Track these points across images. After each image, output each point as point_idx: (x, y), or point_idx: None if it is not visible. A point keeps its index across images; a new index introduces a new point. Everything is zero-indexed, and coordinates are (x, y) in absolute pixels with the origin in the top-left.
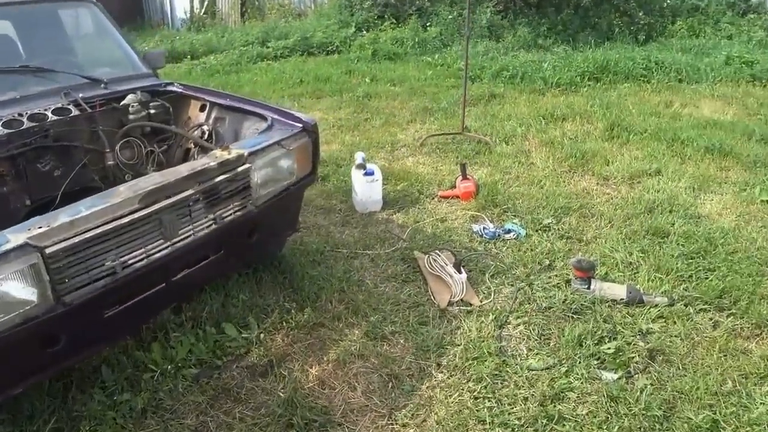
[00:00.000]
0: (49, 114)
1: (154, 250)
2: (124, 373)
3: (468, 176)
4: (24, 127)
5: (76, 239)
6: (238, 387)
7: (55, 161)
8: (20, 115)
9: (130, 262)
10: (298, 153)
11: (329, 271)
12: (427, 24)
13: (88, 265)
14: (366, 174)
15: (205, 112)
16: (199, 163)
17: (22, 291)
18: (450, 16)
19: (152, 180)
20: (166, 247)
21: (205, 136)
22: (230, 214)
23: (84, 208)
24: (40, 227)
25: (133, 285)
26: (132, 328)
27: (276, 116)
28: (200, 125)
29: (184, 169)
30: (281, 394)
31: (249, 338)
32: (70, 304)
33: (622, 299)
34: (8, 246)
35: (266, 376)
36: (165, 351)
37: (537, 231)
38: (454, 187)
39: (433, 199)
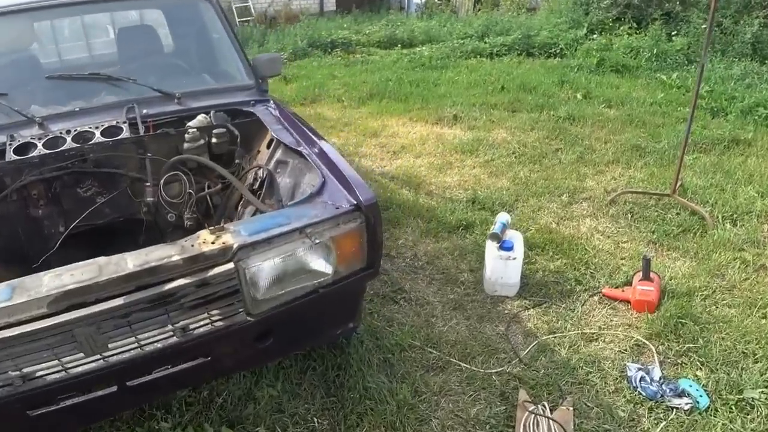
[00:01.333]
0: (97, 134)
1: (72, 364)
2: None
3: (651, 275)
4: (63, 147)
5: None
6: None
7: (98, 187)
8: (67, 132)
9: (36, 374)
10: (343, 242)
11: (393, 385)
12: (673, 33)
13: None
14: (502, 248)
15: (271, 149)
16: (156, 254)
17: None
18: (704, 25)
19: (69, 276)
20: (93, 361)
21: (257, 184)
22: (205, 326)
23: None
24: None
25: (66, 387)
26: (82, 422)
27: (334, 179)
28: (257, 167)
29: (122, 264)
30: None
31: None
32: None
33: None
34: None
35: None
36: None
37: (731, 408)
38: (628, 284)
39: (593, 295)
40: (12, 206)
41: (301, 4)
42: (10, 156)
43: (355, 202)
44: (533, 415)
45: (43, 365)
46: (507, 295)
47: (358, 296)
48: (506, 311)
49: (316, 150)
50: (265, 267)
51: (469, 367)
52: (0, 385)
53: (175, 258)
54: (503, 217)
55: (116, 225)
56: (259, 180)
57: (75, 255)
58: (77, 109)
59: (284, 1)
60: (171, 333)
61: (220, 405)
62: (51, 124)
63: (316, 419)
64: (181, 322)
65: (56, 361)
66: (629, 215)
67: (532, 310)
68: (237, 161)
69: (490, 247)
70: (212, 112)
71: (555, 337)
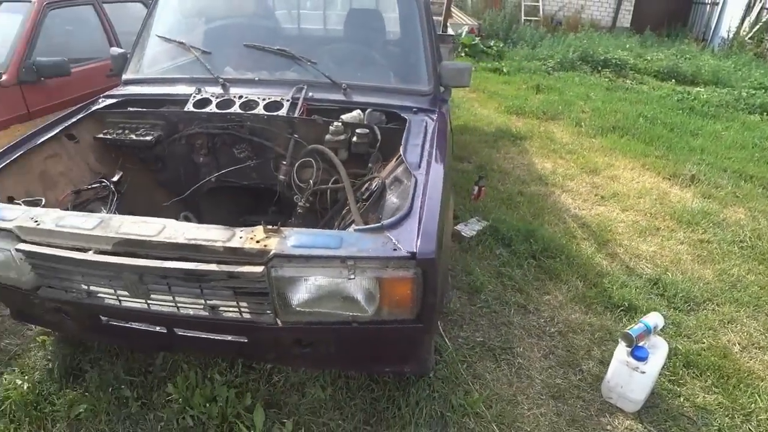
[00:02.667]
0: (261, 105)
1: (125, 298)
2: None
3: None
4: (229, 110)
5: (50, 249)
6: None
7: (249, 152)
8: (239, 97)
9: (98, 294)
10: (389, 286)
11: None
12: None
13: (60, 275)
14: (633, 354)
15: (394, 163)
16: (206, 234)
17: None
18: None
19: (138, 228)
20: (140, 303)
21: (367, 194)
22: (233, 313)
23: (56, 223)
24: (32, 218)
25: (126, 315)
26: (139, 345)
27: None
28: (376, 177)
29: (181, 231)
30: None
31: None
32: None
33: None
34: None
35: None
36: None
37: None
38: None
39: None
40: (180, 148)
41: (593, 14)
42: (189, 107)
43: (414, 251)
44: None
45: (103, 289)
46: (622, 408)
47: (414, 345)
48: (607, 426)
49: (428, 179)
50: (296, 281)
51: None
52: (73, 291)
53: (219, 244)
54: (654, 318)
55: (257, 189)
56: (370, 191)
57: (218, 203)
58: (257, 78)
59: (576, 8)
60: (202, 307)
61: (274, 384)
62: (231, 87)
63: None
64: (212, 301)
65: (112, 290)
66: None
67: None
68: (370, 165)
69: (620, 347)
70: (368, 111)
71: None
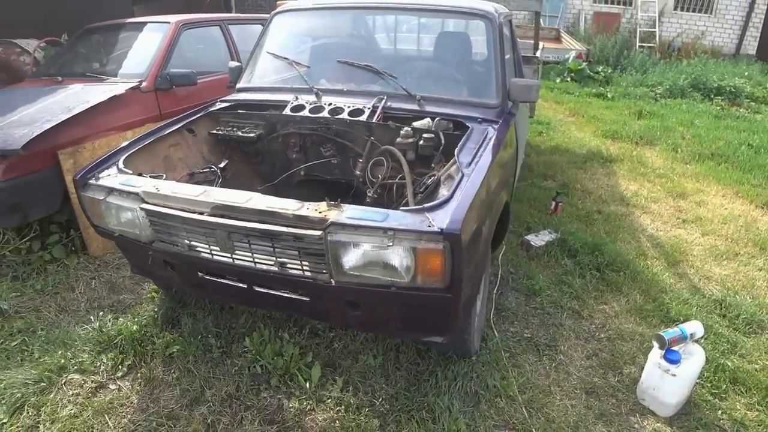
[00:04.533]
0: (346, 111)
1: (216, 252)
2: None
3: None
4: (319, 115)
5: (165, 209)
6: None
7: (334, 151)
8: (328, 105)
9: (197, 247)
10: (423, 257)
11: (458, 417)
12: None
13: (170, 231)
14: (666, 357)
15: (450, 162)
16: (281, 204)
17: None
18: None
19: (231, 197)
20: (226, 257)
21: (423, 187)
22: (297, 270)
23: (171, 190)
24: (154, 186)
25: (216, 268)
26: (226, 298)
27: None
28: (434, 175)
29: (263, 202)
30: None
31: (318, 395)
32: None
33: None
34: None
35: None
36: (264, 344)
37: None
38: None
39: None
40: (277, 145)
41: (714, 40)
42: (286, 111)
43: (442, 228)
44: None
45: (201, 244)
46: (655, 411)
47: (448, 316)
48: (635, 425)
49: (473, 174)
50: (347, 246)
51: None
52: (178, 245)
53: (289, 212)
54: (693, 326)
55: (339, 183)
56: (426, 185)
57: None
58: (345, 89)
59: (697, 33)
60: (273, 263)
61: (333, 349)
62: (324, 95)
63: (377, 401)
64: (281, 259)
65: (207, 245)
66: None
67: None
68: (433, 165)
69: (654, 350)
70: (437, 119)
71: None
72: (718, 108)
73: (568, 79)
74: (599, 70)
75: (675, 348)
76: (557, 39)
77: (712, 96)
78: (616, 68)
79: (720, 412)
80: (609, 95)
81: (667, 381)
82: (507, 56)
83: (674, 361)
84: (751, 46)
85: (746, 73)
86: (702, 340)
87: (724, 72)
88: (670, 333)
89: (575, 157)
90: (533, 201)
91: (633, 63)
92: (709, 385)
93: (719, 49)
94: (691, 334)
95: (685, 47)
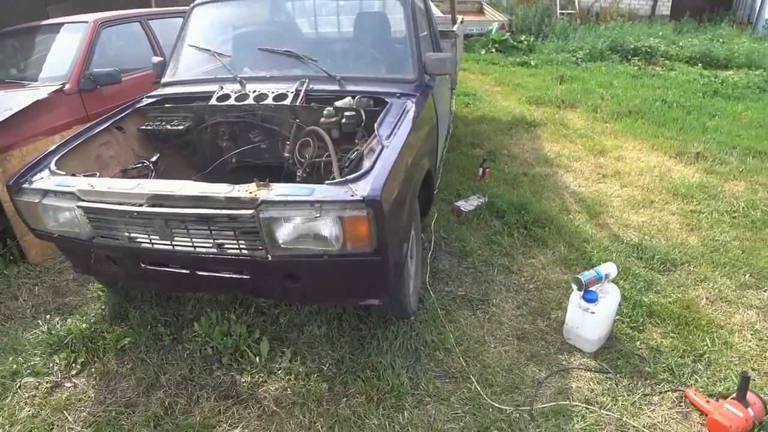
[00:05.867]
0: (270, 97)
1: (156, 241)
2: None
3: (752, 399)
4: (244, 102)
5: (101, 204)
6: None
7: (262, 136)
8: (253, 92)
9: (137, 238)
10: (350, 224)
11: (401, 371)
12: None
13: (109, 225)
14: (584, 297)
15: (372, 137)
16: (213, 189)
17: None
18: None
19: (164, 186)
20: (166, 244)
21: (348, 162)
22: (235, 249)
23: (107, 186)
24: (89, 184)
25: (157, 257)
26: (170, 286)
27: (376, 172)
28: (357, 150)
29: (195, 188)
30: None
31: (268, 368)
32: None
33: None
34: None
35: (227, 411)
36: (212, 327)
37: None
38: (724, 399)
39: (675, 391)
40: (207, 135)
41: (631, 3)
42: (213, 101)
43: (364, 196)
44: None
45: (140, 235)
46: (580, 348)
47: (380, 278)
48: (562, 362)
49: (392, 145)
50: (278, 221)
51: (479, 391)
52: (118, 238)
53: (221, 194)
54: (607, 267)
55: (270, 167)
56: (350, 160)
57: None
58: (268, 75)
59: None
60: (211, 245)
61: (279, 324)
62: (248, 83)
63: (325, 367)
64: (219, 240)
65: (146, 235)
66: None
67: (589, 373)
68: (356, 141)
69: (574, 292)
70: (357, 97)
71: (586, 409)
72: (636, 68)
73: (493, 50)
74: (522, 39)
75: (592, 288)
76: (480, 11)
77: (630, 57)
78: (539, 36)
79: (638, 342)
80: (532, 63)
81: (587, 319)
82: (424, 33)
83: (592, 300)
84: (665, 7)
85: (660, 33)
86: (617, 280)
87: (640, 33)
88: (586, 275)
89: (501, 125)
90: (462, 169)
91: (554, 30)
92: (628, 320)
93: (636, 11)
94: (606, 275)
95: (604, 12)
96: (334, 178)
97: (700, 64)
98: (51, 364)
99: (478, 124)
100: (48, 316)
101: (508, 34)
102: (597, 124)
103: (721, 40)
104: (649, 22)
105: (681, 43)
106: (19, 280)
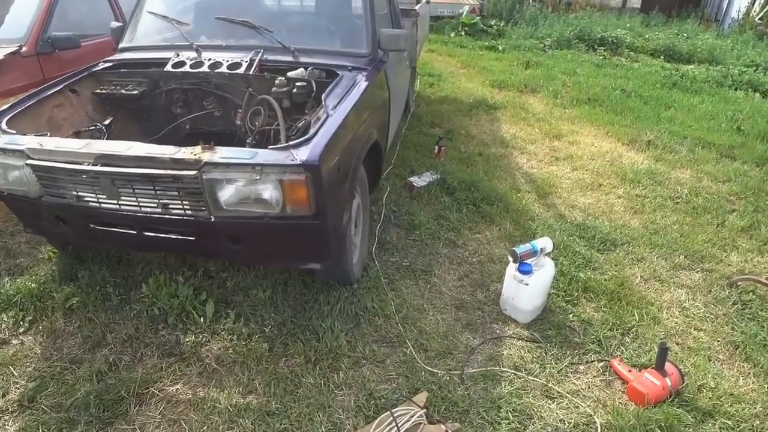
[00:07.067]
0: (224, 65)
1: (103, 200)
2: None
3: (669, 370)
4: (199, 70)
5: (50, 163)
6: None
7: (216, 104)
8: (208, 60)
9: (84, 198)
10: (290, 188)
11: (340, 334)
12: None
13: (57, 184)
14: (520, 270)
15: (320, 107)
16: (159, 150)
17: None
18: None
19: (112, 147)
20: (113, 204)
21: (296, 130)
22: (179, 210)
23: (54, 144)
24: (38, 143)
25: (105, 217)
26: (118, 245)
27: (318, 138)
28: (305, 119)
29: (142, 149)
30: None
31: (212, 329)
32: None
33: None
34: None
35: (169, 368)
36: (160, 288)
37: None
38: (645, 368)
39: (601, 361)
40: (161, 101)
41: None
42: (168, 68)
43: (303, 160)
44: (391, 417)
45: (88, 194)
46: (515, 318)
47: (321, 241)
48: (496, 331)
49: (336, 115)
50: (221, 183)
51: (414, 355)
52: (67, 197)
53: (167, 156)
54: (543, 242)
55: (222, 135)
56: (297, 128)
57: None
58: (224, 44)
59: None
60: (156, 205)
61: (226, 287)
62: (204, 51)
63: (267, 329)
64: (164, 200)
65: (94, 194)
66: (735, 306)
67: (521, 342)
68: (306, 111)
69: (510, 264)
70: (310, 69)
71: (514, 375)
72: (600, 57)
73: (462, 33)
74: (492, 23)
75: (527, 261)
76: None
77: (596, 46)
78: (509, 22)
79: (571, 315)
80: (500, 48)
81: (522, 290)
82: (384, 11)
83: (526, 272)
84: (636, 0)
85: (628, 25)
86: (557, 256)
87: (608, 24)
88: (522, 248)
89: (462, 106)
90: (419, 147)
91: (525, 17)
92: (563, 293)
93: (607, 3)
94: (542, 249)
95: (575, 1)
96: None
97: (663, 57)
98: None
99: (439, 104)
100: None
101: (478, 18)
102: (556, 109)
103: (685, 35)
104: (619, 14)
105: (647, 36)
106: None
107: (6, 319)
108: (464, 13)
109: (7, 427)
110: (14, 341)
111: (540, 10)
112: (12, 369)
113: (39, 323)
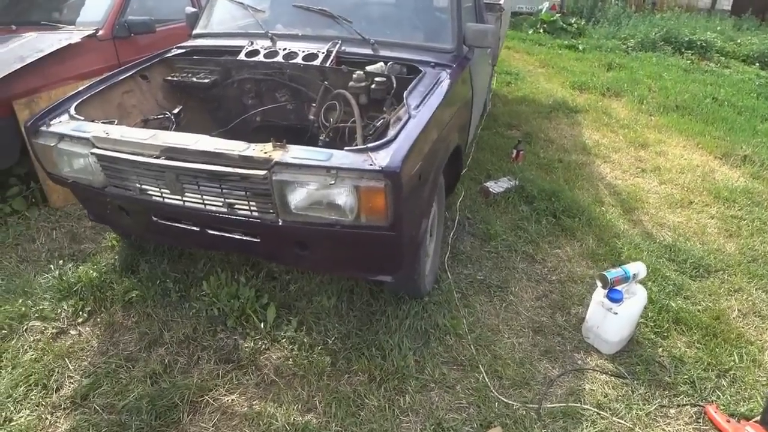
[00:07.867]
0: (300, 56)
1: (167, 195)
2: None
3: None
4: (273, 60)
5: (114, 153)
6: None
7: (289, 96)
8: (283, 49)
9: (148, 191)
10: (366, 195)
11: (407, 354)
12: None
13: (121, 175)
14: (608, 296)
15: (400, 105)
16: (228, 145)
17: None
18: None
19: (179, 139)
20: (177, 200)
21: (373, 130)
22: (245, 210)
23: (120, 133)
24: (104, 131)
25: (168, 212)
26: (180, 242)
27: (398, 142)
28: (384, 118)
29: (210, 144)
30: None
31: (272, 335)
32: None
33: None
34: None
35: (226, 375)
36: (221, 287)
37: None
38: (746, 420)
39: (695, 406)
40: (232, 91)
41: None
42: (241, 57)
43: (383, 166)
44: None
45: (152, 188)
46: (598, 348)
47: (394, 254)
48: (578, 361)
49: (419, 116)
50: (292, 185)
51: (487, 383)
52: (130, 189)
53: (235, 153)
54: (636, 266)
55: (294, 129)
56: (375, 128)
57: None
58: (300, 34)
59: None
60: (221, 204)
61: (289, 291)
62: (279, 41)
63: (330, 340)
64: (230, 200)
65: (157, 188)
66: None
67: (605, 376)
68: (384, 109)
69: (598, 289)
70: (390, 63)
71: (597, 414)
72: (688, 62)
73: (541, 30)
74: (572, 22)
75: (618, 287)
76: None
77: (683, 50)
78: (590, 21)
79: (661, 349)
80: (580, 47)
81: (609, 319)
82: (468, 4)
83: (616, 300)
84: (726, 1)
85: (718, 28)
86: (645, 281)
87: (697, 26)
88: (613, 273)
89: (541, 108)
90: (496, 149)
91: (607, 15)
92: (652, 324)
93: (695, 4)
94: (634, 275)
95: (661, 1)
96: (356, 145)
97: (757, 64)
98: (59, 310)
99: (517, 104)
100: (62, 262)
101: (558, 15)
102: (641, 116)
103: None
104: (708, 15)
105: (739, 41)
106: (38, 223)
107: (66, 308)
108: (544, 9)
109: (58, 424)
110: (72, 331)
111: (623, 9)
112: (68, 362)
113: (98, 314)
